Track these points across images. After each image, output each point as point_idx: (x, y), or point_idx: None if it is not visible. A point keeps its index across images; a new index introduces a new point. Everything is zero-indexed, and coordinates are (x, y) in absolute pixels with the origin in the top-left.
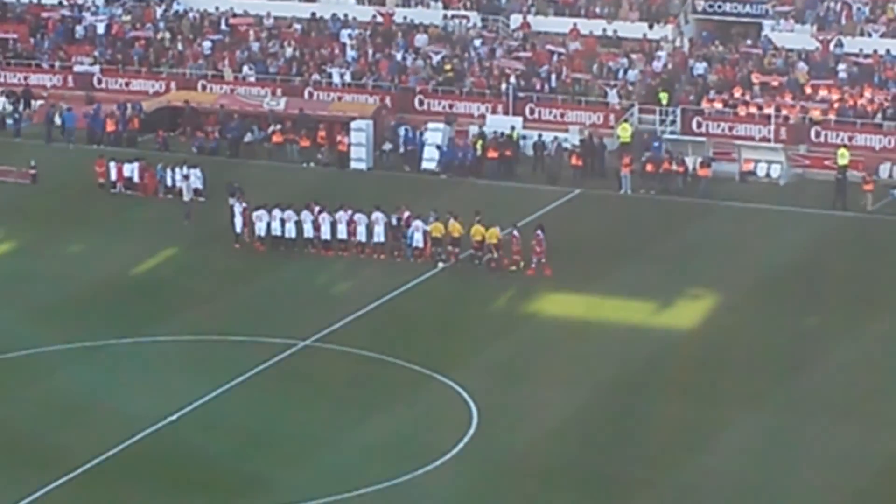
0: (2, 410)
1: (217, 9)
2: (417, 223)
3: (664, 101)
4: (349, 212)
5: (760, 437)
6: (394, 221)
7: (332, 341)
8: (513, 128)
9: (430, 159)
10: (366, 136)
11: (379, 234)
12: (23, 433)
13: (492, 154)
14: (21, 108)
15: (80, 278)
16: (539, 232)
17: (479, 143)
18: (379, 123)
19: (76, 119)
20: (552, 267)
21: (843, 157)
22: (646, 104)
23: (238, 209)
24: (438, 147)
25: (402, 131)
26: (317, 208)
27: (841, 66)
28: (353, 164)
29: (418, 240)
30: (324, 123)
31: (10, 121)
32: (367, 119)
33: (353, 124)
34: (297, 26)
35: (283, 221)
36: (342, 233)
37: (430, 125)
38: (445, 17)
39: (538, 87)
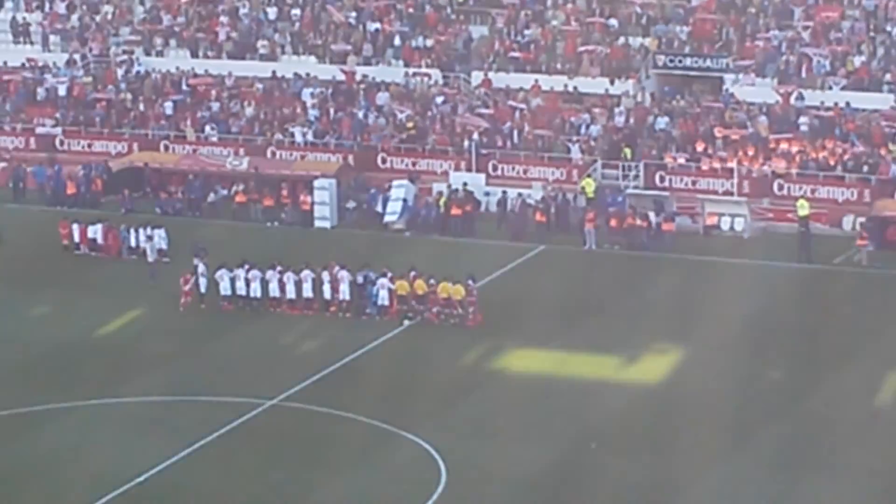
0: None
1: (178, 69)
2: (382, 281)
3: (628, 156)
4: (315, 270)
5: (728, 492)
6: (359, 279)
7: (299, 400)
8: (465, 183)
9: (392, 213)
10: (329, 195)
11: (344, 293)
12: None
13: (455, 211)
14: None
15: (45, 340)
16: (470, 281)
17: (443, 200)
18: (342, 182)
19: (46, 175)
20: (509, 321)
21: (803, 207)
22: (608, 159)
23: (202, 269)
24: (404, 200)
25: (371, 191)
26: (279, 268)
27: (802, 119)
28: (318, 223)
29: (384, 297)
30: (286, 182)
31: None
32: (331, 177)
33: (316, 183)
34: (259, 86)
35: (247, 281)
36: (307, 291)
37: (395, 182)
38: (407, 74)
39: (501, 143)
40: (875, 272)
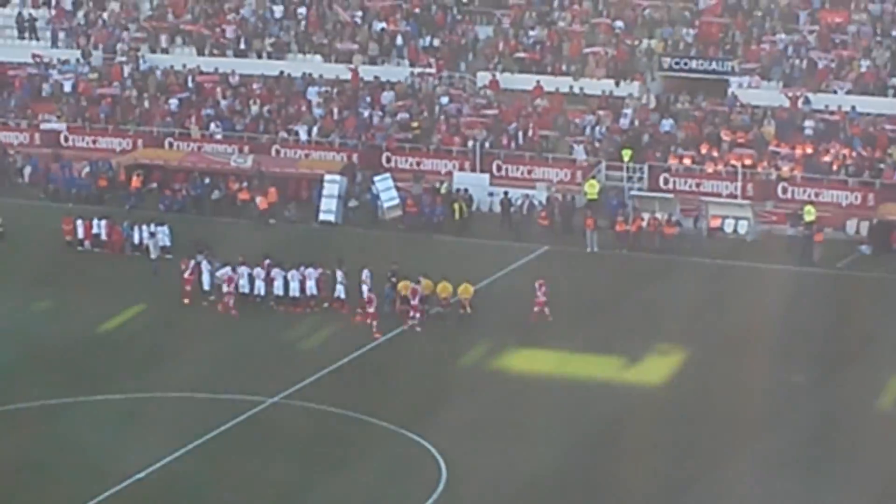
0: None
1: (184, 66)
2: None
3: (626, 158)
4: (319, 269)
5: (728, 495)
6: (364, 278)
7: (301, 398)
8: (441, 183)
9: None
10: (338, 190)
11: (341, 291)
12: None
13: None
14: None
15: (48, 335)
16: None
17: (457, 203)
18: (349, 180)
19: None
20: (511, 321)
21: (810, 213)
22: (613, 160)
23: (206, 267)
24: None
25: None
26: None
27: (808, 123)
28: (323, 216)
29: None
30: (291, 180)
31: None
32: (336, 175)
33: (326, 176)
34: (256, 85)
35: (251, 278)
36: (311, 289)
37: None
38: (412, 74)
39: (506, 143)
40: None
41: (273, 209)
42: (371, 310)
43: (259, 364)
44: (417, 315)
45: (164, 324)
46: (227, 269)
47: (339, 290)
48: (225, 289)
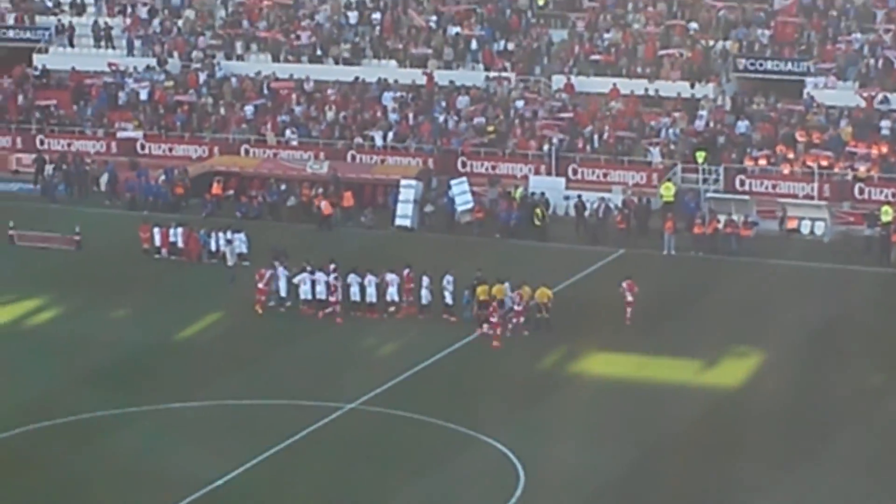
0: (49, 476)
1: (259, 73)
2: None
3: (700, 160)
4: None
5: (807, 496)
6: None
7: (378, 404)
8: (515, 187)
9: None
10: (415, 195)
11: (426, 297)
12: (70, 498)
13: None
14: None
15: (126, 343)
16: (407, 271)
17: (538, 208)
18: (425, 185)
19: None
20: (587, 325)
21: (887, 214)
22: (688, 163)
23: (282, 273)
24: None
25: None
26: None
27: (884, 123)
28: (398, 221)
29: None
30: (367, 186)
31: (61, 187)
32: (412, 180)
33: (402, 181)
34: (330, 91)
35: (327, 285)
36: (392, 295)
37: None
38: (487, 78)
39: (581, 146)
40: None
41: (347, 213)
42: (494, 319)
43: (336, 370)
44: (516, 321)
45: (241, 331)
46: (305, 275)
47: (425, 296)
48: (330, 297)
